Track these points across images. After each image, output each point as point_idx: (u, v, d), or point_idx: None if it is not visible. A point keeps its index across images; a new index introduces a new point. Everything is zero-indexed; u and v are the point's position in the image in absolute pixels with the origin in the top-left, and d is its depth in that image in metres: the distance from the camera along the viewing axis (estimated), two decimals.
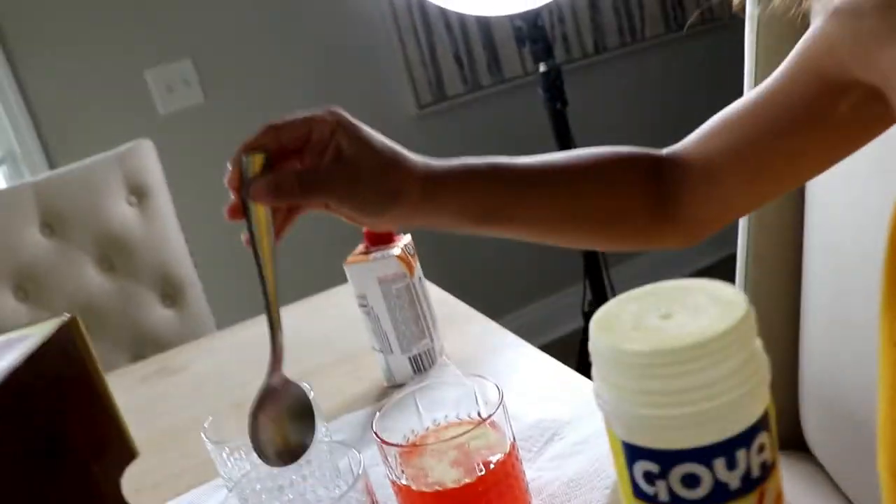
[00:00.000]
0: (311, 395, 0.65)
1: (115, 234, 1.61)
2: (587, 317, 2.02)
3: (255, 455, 0.64)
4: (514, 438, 0.56)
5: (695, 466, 0.34)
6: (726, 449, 0.34)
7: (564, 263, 2.69)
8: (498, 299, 2.63)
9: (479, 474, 0.53)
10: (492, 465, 0.54)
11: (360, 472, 0.51)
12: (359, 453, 0.52)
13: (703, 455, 0.34)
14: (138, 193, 1.64)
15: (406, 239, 0.83)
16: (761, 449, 0.35)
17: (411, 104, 2.47)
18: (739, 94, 0.76)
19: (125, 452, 0.51)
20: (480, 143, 2.57)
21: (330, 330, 1.09)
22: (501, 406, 0.55)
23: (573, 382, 0.78)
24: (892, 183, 0.77)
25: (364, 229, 0.82)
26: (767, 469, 0.36)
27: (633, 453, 0.36)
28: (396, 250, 0.80)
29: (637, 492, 0.37)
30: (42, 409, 0.50)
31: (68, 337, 0.48)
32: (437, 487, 0.53)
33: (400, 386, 0.84)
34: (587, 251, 1.97)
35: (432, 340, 0.84)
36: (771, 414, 0.36)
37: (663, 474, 0.35)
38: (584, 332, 2.02)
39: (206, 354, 1.14)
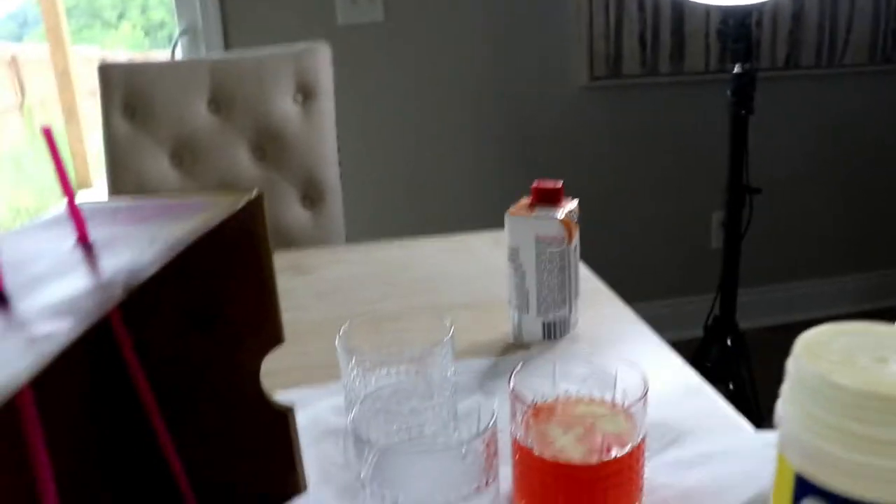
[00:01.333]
0: (451, 331, 0.65)
1: (275, 126, 1.66)
2: (708, 330, 1.96)
3: (379, 372, 0.65)
4: (645, 434, 0.54)
5: None
6: None
7: (700, 269, 2.64)
8: (626, 286, 2.59)
9: (605, 459, 0.52)
10: (618, 454, 0.52)
11: (492, 423, 0.50)
12: (494, 405, 0.52)
13: None
14: (305, 92, 1.67)
15: (573, 204, 0.81)
16: None
17: (584, 74, 2.42)
18: None
19: (274, 336, 0.51)
20: (651, 127, 2.53)
21: (472, 271, 1.10)
22: (644, 398, 0.53)
23: (701, 391, 0.75)
24: None
25: (535, 184, 0.80)
26: None
27: (804, 488, 0.34)
28: (561, 213, 0.78)
29: None
30: (210, 278, 0.51)
31: (251, 213, 0.48)
32: (560, 458, 0.52)
33: (526, 346, 0.83)
34: (729, 263, 1.91)
35: (570, 311, 0.83)
36: None
37: None
38: (702, 343, 1.97)
39: (338, 263, 1.15)
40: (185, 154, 1.66)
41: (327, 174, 1.66)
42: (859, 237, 2.85)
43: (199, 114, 1.67)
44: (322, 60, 1.67)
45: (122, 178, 1.66)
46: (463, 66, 2.36)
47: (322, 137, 1.67)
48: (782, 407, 0.35)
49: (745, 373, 1.87)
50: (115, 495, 0.52)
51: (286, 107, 1.66)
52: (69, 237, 0.40)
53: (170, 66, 1.71)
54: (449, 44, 2.33)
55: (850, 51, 2.59)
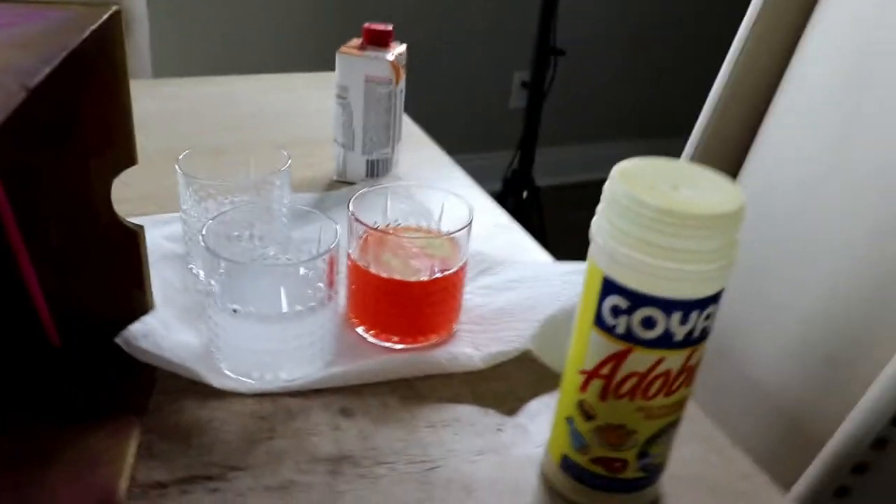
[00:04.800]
0: (289, 163, 0.68)
1: None
2: (506, 182, 2.09)
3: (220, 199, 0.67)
4: (467, 259, 0.61)
5: (656, 312, 0.40)
6: (687, 307, 0.40)
7: (503, 129, 2.74)
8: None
9: (435, 276, 0.59)
10: (444, 273, 0.59)
11: (335, 243, 0.55)
12: (336, 225, 0.56)
13: (668, 305, 0.40)
14: None
15: (402, 48, 0.84)
16: (708, 317, 0.42)
17: None
18: None
19: (127, 155, 0.52)
20: None
21: (289, 111, 1.11)
22: (469, 225, 0.59)
23: (510, 228, 0.84)
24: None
25: (365, 25, 0.83)
26: (704, 335, 0.43)
27: (609, 287, 0.41)
28: (391, 55, 0.81)
29: (598, 320, 0.42)
30: (66, 92, 0.51)
31: (109, 29, 0.48)
32: (396, 276, 0.58)
33: (350, 183, 0.87)
34: (530, 123, 2.02)
35: (392, 151, 0.87)
36: (721, 294, 0.42)
37: (629, 311, 0.41)
38: (500, 195, 2.09)
39: (148, 98, 1.12)
40: None
41: (134, 2, 1.57)
42: (650, 104, 3.06)
43: None
44: None
45: None
46: None
47: None
48: (596, 223, 0.42)
49: (538, 223, 2.02)
50: None
51: None
52: None
53: None
54: None
55: None
